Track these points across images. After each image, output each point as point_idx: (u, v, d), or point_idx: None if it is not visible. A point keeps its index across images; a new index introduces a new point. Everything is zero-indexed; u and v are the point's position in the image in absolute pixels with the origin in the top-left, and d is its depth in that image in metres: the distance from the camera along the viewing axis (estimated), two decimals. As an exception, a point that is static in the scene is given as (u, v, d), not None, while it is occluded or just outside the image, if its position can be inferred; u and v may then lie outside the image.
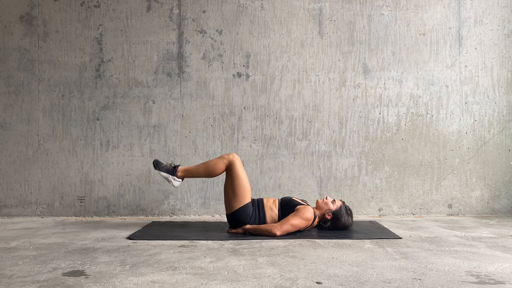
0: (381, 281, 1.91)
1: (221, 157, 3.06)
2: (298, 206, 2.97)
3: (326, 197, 3.09)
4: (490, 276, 1.98)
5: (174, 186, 3.09)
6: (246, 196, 3.00)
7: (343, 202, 3.08)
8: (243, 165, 3.76)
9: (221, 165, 3.03)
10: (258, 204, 3.05)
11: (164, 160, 3.71)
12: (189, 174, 3.10)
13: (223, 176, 3.75)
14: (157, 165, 3.09)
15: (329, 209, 3.02)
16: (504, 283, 1.88)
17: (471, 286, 1.84)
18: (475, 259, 2.28)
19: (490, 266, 2.15)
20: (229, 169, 3.02)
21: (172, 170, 3.07)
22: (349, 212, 3.04)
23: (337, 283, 1.89)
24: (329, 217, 3.01)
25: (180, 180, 3.09)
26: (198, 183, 3.77)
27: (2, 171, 3.76)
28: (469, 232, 3.05)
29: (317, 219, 3.02)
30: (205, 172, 3.08)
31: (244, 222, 2.97)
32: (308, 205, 3.05)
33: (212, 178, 3.74)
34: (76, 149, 3.77)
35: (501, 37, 3.81)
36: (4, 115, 3.76)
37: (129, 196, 3.77)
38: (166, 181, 3.09)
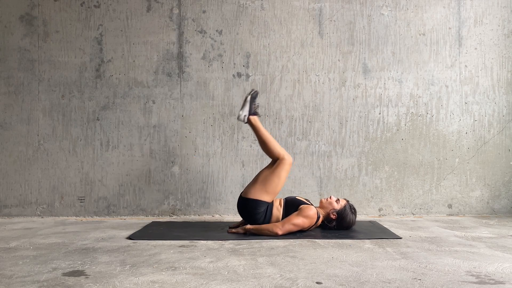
0: (381, 281, 1.91)
1: (283, 149, 3.07)
2: (301, 206, 2.97)
3: (330, 197, 3.08)
4: (490, 276, 1.98)
5: (240, 113, 3.10)
6: (271, 196, 2.99)
7: (348, 201, 3.07)
8: (245, 165, 3.77)
9: (276, 153, 3.03)
10: (268, 205, 3.03)
11: (165, 161, 3.73)
12: (255, 128, 3.10)
13: (223, 177, 3.76)
14: (254, 97, 3.12)
15: (334, 209, 3.01)
16: (504, 283, 1.88)
17: (471, 286, 1.84)
18: (475, 259, 2.28)
19: (490, 266, 2.15)
20: (278, 164, 3.01)
21: (253, 112, 3.11)
22: (353, 210, 3.04)
23: (337, 283, 1.89)
24: (334, 217, 3.01)
25: (245, 120, 3.10)
26: (198, 183, 3.77)
27: (2, 171, 3.76)
28: (469, 232, 3.05)
29: (321, 219, 3.01)
30: (265, 142, 3.07)
31: (250, 213, 2.96)
32: (312, 204, 3.05)
33: (212, 179, 3.75)
34: (76, 149, 3.77)
35: (501, 37, 3.81)
36: (4, 115, 3.76)
37: (129, 196, 3.77)
38: (243, 105, 3.11)
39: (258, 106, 3.18)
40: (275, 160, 3.05)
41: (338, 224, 3.02)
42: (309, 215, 2.90)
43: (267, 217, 2.98)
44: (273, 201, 3.05)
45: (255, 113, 3.13)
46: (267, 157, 3.76)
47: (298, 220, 2.89)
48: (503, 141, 3.81)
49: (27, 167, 3.76)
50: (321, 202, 3.09)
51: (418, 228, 3.21)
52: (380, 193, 3.80)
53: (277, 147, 3.06)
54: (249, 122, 3.11)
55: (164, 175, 3.77)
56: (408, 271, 2.06)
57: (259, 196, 2.97)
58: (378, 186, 3.80)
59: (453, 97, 3.81)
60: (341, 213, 3.00)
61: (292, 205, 3.01)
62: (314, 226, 2.99)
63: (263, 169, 3.09)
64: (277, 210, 3.01)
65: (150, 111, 3.79)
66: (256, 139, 3.16)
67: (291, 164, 3.05)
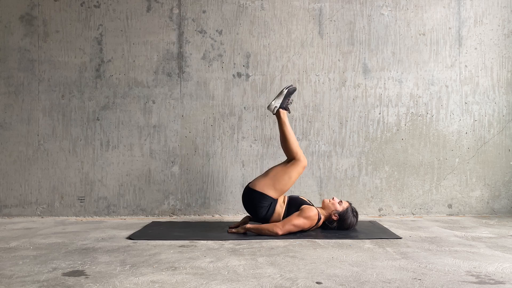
0: (381, 281, 1.91)
1: (301, 151, 3.07)
2: (303, 206, 2.97)
3: (333, 198, 3.09)
4: (490, 276, 1.98)
5: (272, 102, 3.11)
6: (277, 193, 2.99)
7: (350, 204, 3.08)
8: (245, 165, 3.77)
9: (294, 152, 3.04)
10: (273, 201, 3.03)
11: (165, 161, 3.73)
12: (281, 122, 3.10)
13: (223, 177, 3.76)
14: (290, 92, 3.12)
15: (336, 210, 3.02)
16: (504, 283, 1.88)
17: (471, 286, 1.84)
18: (475, 259, 2.28)
19: (490, 266, 2.15)
20: (292, 163, 3.02)
21: (284, 106, 3.11)
22: (355, 213, 3.04)
23: (337, 283, 1.89)
24: (335, 218, 3.01)
25: (275, 112, 3.10)
26: (198, 183, 3.77)
27: (2, 171, 3.76)
28: (469, 232, 3.05)
29: (322, 219, 3.02)
30: (286, 138, 3.06)
31: (254, 205, 2.96)
32: (313, 205, 3.05)
33: (212, 179, 3.75)
34: (76, 149, 3.77)
35: (501, 37, 3.81)
36: (4, 115, 3.76)
37: (129, 196, 3.77)
38: (277, 96, 3.14)
39: (291, 102, 3.18)
40: (290, 160, 3.06)
41: (339, 225, 3.03)
42: (310, 216, 2.91)
43: (270, 212, 2.98)
44: (278, 198, 3.06)
45: (286, 108, 3.13)
46: (266, 157, 3.77)
47: (298, 221, 2.89)
48: (503, 141, 3.81)
49: (27, 167, 3.76)
50: (323, 202, 3.09)
51: (418, 228, 3.21)
52: (380, 193, 3.80)
53: (296, 147, 3.06)
54: (277, 114, 3.11)
55: (164, 175, 3.77)
56: (408, 271, 2.06)
57: (267, 190, 2.97)
58: (378, 186, 3.80)
59: (453, 97, 3.81)
60: (343, 215, 3.01)
61: (294, 204, 3.01)
62: (315, 227, 2.99)
63: (276, 165, 3.10)
64: (280, 207, 3.02)
65: (150, 111, 3.79)
66: (279, 134, 3.16)
67: (304, 167, 3.06)
